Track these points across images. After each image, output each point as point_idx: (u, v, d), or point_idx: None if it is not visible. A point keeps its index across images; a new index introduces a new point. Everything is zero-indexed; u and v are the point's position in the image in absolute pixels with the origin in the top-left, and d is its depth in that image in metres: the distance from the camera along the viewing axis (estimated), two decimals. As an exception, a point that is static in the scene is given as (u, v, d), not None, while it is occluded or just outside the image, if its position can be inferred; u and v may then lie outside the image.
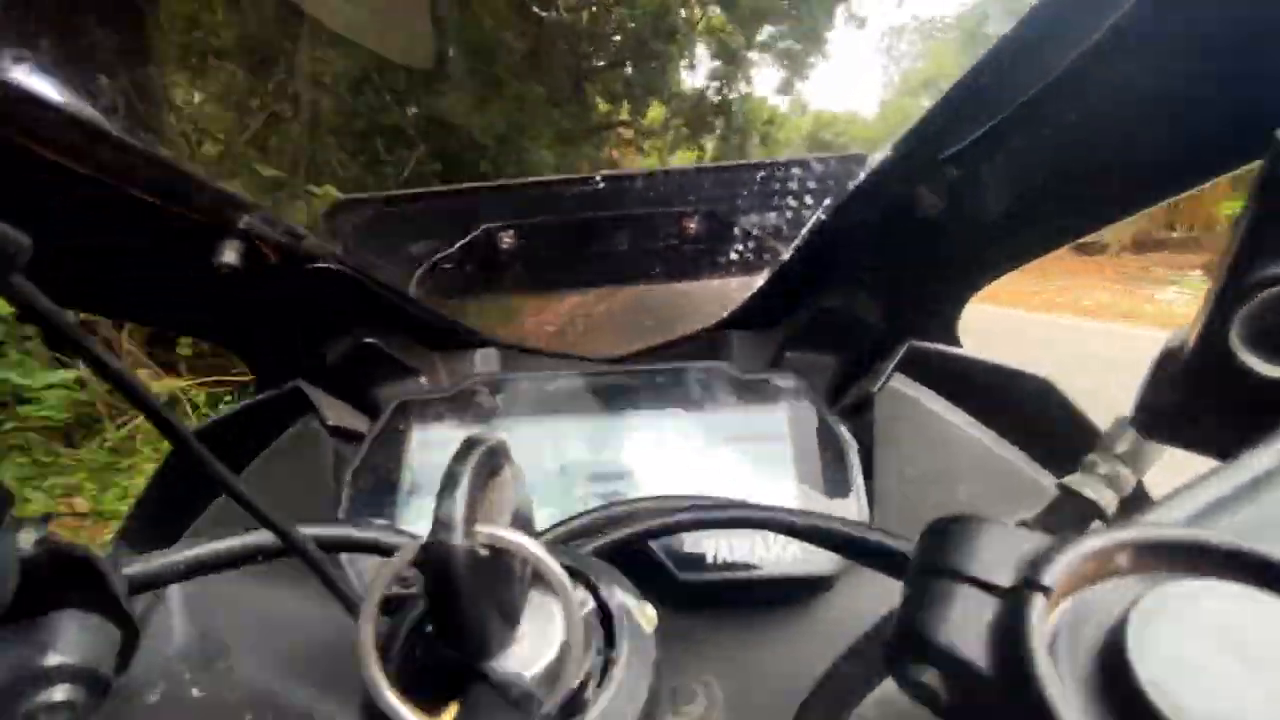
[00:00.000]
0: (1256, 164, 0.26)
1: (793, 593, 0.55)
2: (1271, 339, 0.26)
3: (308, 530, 0.36)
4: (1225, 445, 0.27)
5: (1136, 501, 0.37)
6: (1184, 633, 0.15)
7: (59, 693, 0.24)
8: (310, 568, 0.32)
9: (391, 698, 0.22)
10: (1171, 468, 0.35)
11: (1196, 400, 0.29)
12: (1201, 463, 0.24)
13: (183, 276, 0.57)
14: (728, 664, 0.52)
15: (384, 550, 0.39)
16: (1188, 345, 0.28)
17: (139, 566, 0.33)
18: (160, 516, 0.58)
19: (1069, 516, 0.35)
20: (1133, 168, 0.47)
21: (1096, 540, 0.18)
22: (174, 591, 0.53)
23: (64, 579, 0.24)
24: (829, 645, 0.30)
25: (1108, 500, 0.35)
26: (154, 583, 0.34)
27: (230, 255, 0.52)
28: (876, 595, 0.52)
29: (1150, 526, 0.18)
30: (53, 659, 0.24)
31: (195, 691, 0.49)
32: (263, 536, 0.34)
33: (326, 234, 1.00)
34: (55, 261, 0.49)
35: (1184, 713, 0.14)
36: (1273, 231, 0.25)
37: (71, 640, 0.24)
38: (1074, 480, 0.36)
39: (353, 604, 0.34)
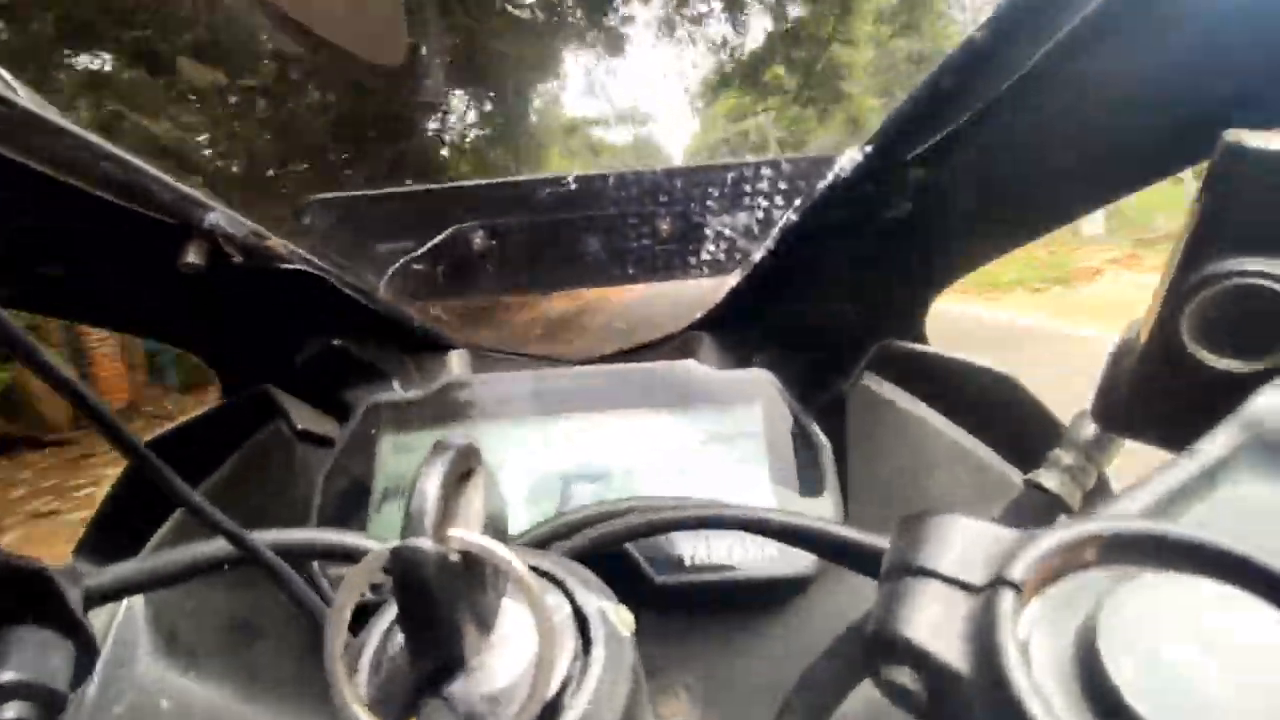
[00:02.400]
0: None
1: (771, 593, 0.55)
2: (1220, 332, 0.27)
3: (270, 538, 0.35)
4: (1179, 438, 0.28)
5: (1099, 494, 0.38)
6: (1151, 626, 0.16)
7: (10, 710, 0.23)
8: (272, 578, 0.31)
9: (361, 712, 0.22)
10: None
11: (1151, 394, 0.30)
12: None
13: (145, 277, 0.55)
14: (707, 666, 0.52)
15: (352, 556, 0.38)
16: (1141, 339, 0.29)
17: (97, 579, 0.32)
18: (121, 527, 0.56)
19: (1035, 511, 0.36)
20: (1094, 165, 0.48)
21: (1064, 534, 0.18)
22: (140, 602, 0.51)
23: (15, 593, 0.23)
24: (808, 646, 0.30)
25: (1072, 493, 0.36)
26: (113, 595, 0.33)
27: (194, 255, 0.50)
28: (854, 595, 0.53)
29: (1113, 520, 0.19)
30: (3, 675, 0.23)
31: (164, 703, 0.48)
32: (225, 546, 0.33)
33: (294, 234, 0.98)
34: (9, 262, 0.47)
35: (1156, 707, 0.14)
36: (1221, 227, 0.26)
37: (23, 656, 0.23)
38: (1039, 475, 0.36)
39: (319, 613, 0.33)
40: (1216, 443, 0.21)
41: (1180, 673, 0.15)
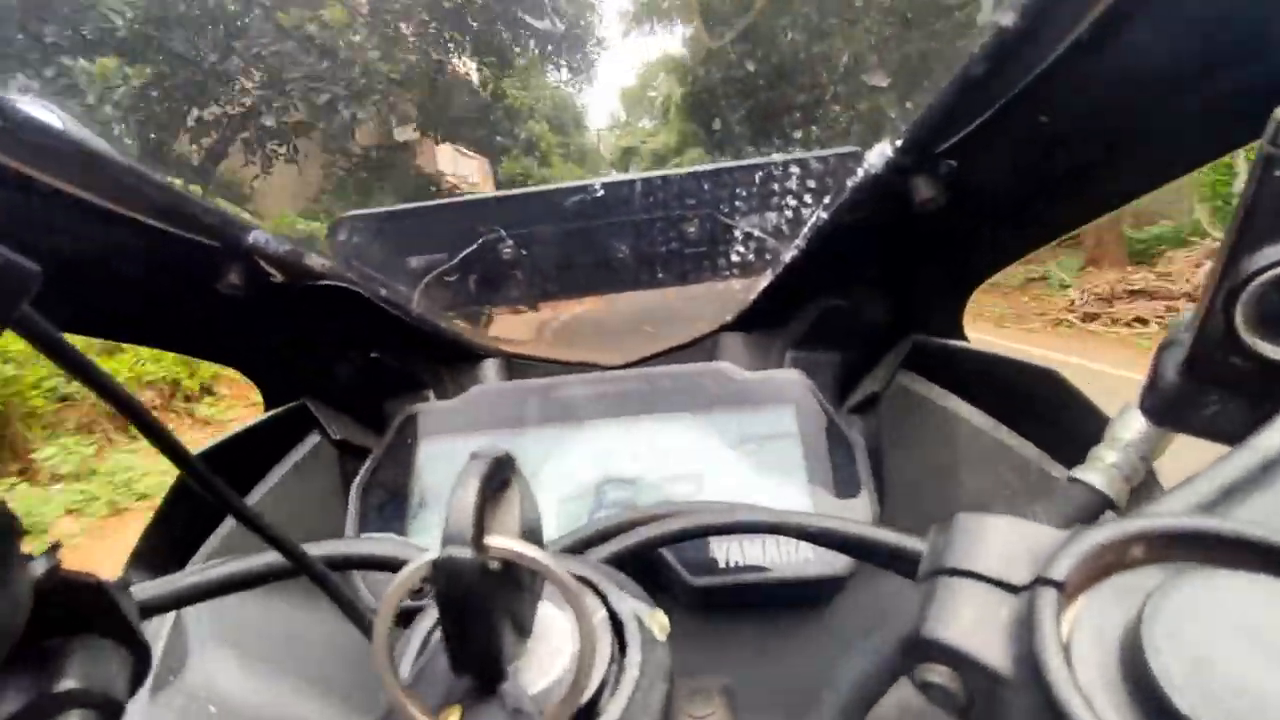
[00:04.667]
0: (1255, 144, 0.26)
1: (806, 594, 0.54)
2: (1275, 320, 0.26)
3: (317, 549, 0.36)
4: (1233, 430, 0.27)
5: (1148, 490, 0.37)
6: (1199, 625, 0.15)
7: (71, 717, 0.24)
8: (321, 588, 0.32)
9: (415, 711, 0.23)
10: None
11: (1202, 385, 0.29)
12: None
13: (188, 299, 0.57)
14: (743, 667, 0.52)
15: (394, 565, 0.39)
16: (1192, 330, 0.28)
17: (150, 591, 0.34)
18: (173, 539, 0.58)
19: (1080, 508, 0.35)
20: (1130, 154, 0.46)
21: (1108, 533, 0.18)
22: (192, 611, 0.53)
23: (74, 607, 0.25)
24: (844, 645, 0.30)
25: (1119, 490, 0.34)
26: (166, 606, 0.34)
27: (234, 277, 0.52)
28: (891, 594, 0.52)
29: (1160, 517, 0.18)
30: (64, 685, 0.24)
31: (212, 708, 0.49)
32: (273, 557, 0.35)
33: (328, 251, 1.00)
34: (61, 287, 0.49)
35: (1203, 707, 0.14)
36: (1272, 211, 0.25)
37: (83, 666, 0.25)
38: (1083, 471, 0.35)
39: (364, 620, 0.34)
40: (1272, 437, 0.20)
41: (1227, 671, 0.14)
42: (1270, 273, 0.25)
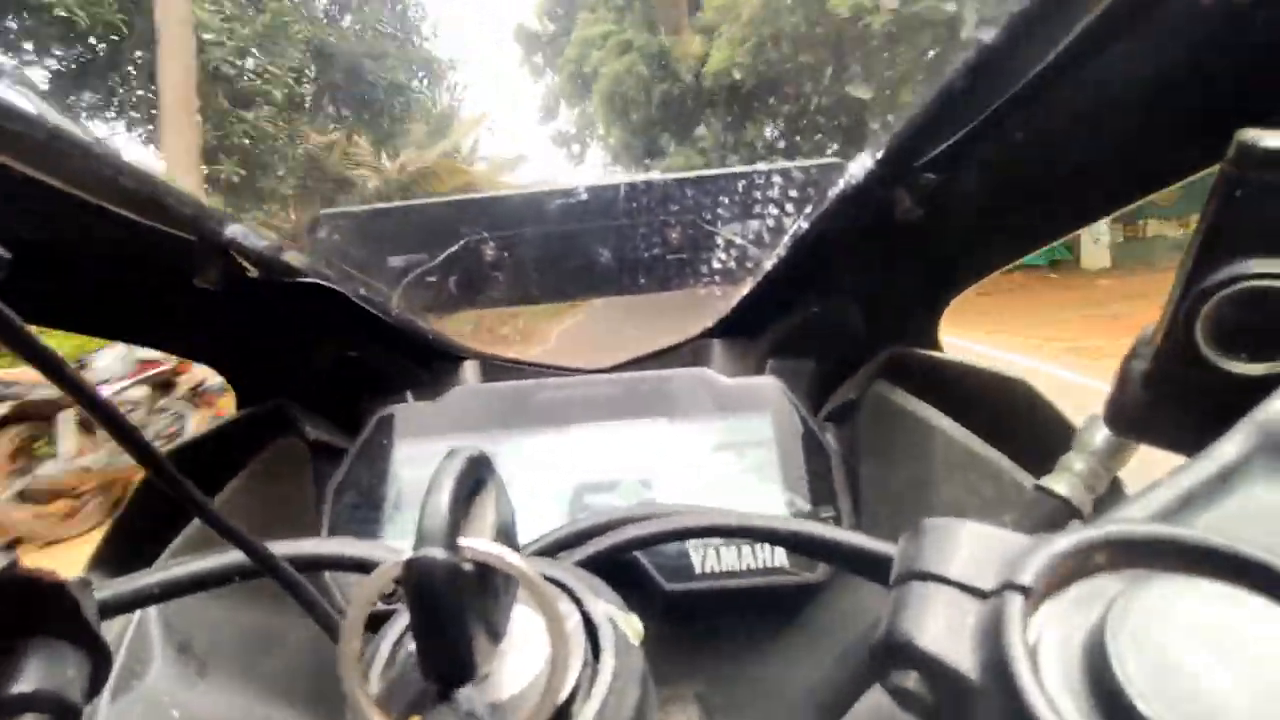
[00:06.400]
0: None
1: (782, 601, 0.55)
2: (1235, 336, 0.26)
3: (284, 549, 0.35)
4: (1192, 442, 0.28)
5: (1113, 498, 0.37)
6: (1161, 632, 0.16)
7: None
8: (286, 589, 0.32)
9: (379, 718, 0.22)
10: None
11: (1164, 398, 0.29)
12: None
13: (162, 292, 0.56)
14: (718, 674, 0.52)
15: (364, 567, 0.38)
16: (1154, 344, 0.29)
17: (112, 590, 0.33)
18: (137, 539, 0.57)
19: (1046, 516, 0.35)
20: (1105, 171, 0.48)
21: (1072, 540, 0.18)
22: (154, 612, 0.52)
23: (32, 606, 0.24)
24: (820, 653, 0.30)
25: (1083, 498, 0.35)
26: (127, 606, 0.34)
27: (210, 269, 0.51)
28: (866, 602, 0.53)
29: (1123, 524, 0.18)
30: (18, 687, 0.23)
31: (175, 714, 0.48)
32: (238, 557, 0.34)
33: (308, 248, 0.99)
34: (28, 277, 0.48)
35: (1165, 710, 0.14)
36: (1234, 228, 0.26)
37: (38, 668, 0.24)
38: (1050, 480, 0.36)
39: (331, 623, 0.34)
40: (1230, 446, 0.21)
41: (1190, 676, 0.15)
42: (1230, 289, 0.26)
